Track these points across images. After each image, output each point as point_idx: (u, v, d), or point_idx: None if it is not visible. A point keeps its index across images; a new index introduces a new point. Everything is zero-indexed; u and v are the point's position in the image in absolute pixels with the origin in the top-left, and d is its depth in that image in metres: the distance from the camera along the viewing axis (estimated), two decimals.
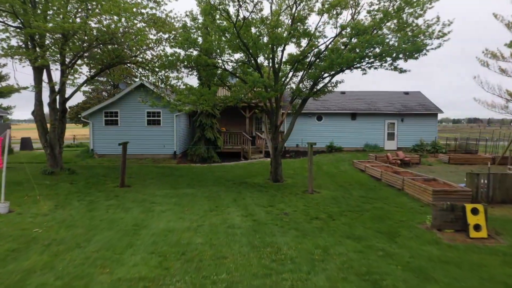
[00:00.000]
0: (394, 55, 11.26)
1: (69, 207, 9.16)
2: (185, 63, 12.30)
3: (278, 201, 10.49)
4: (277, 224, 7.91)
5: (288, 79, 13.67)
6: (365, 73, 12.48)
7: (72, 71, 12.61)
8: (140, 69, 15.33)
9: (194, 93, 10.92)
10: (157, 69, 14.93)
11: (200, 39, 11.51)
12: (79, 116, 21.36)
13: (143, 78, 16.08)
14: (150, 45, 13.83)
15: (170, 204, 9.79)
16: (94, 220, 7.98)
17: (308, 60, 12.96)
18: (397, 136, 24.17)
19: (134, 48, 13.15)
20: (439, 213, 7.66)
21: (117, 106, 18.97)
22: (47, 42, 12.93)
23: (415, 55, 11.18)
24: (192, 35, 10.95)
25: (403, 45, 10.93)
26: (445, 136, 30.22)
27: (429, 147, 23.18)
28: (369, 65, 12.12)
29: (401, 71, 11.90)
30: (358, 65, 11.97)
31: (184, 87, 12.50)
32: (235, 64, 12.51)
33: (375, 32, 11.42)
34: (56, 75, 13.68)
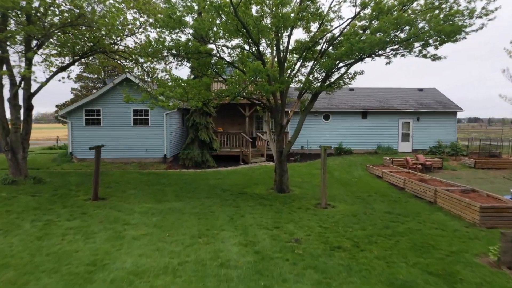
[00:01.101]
0: (427, 38, 9.25)
1: (15, 232, 7.15)
2: (173, 51, 10.30)
3: (286, 219, 8.49)
4: (287, 259, 5.91)
5: (295, 71, 11.68)
6: (388, 62, 10.49)
7: (38, 58, 10.59)
8: (123, 60, 13.30)
9: (180, 85, 8.90)
10: (141, 60, 12.93)
11: (189, 19, 9.50)
12: (56, 115, 19.31)
13: (126, 70, 14.06)
14: (132, 30, 11.81)
15: (148, 226, 7.78)
16: (40, 253, 5.97)
17: (319, 47, 10.98)
18: (413, 137, 22.17)
19: (111, 33, 11.11)
20: (511, 246, 5.66)
21: (99, 103, 16.95)
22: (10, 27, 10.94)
23: (453, 38, 9.18)
24: (177, 11, 8.92)
25: (439, 26, 8.92)
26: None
27: (448, 149, 21.19)
28: (394, 52, 10.13)
29: (435, 58, 9.89)
30: (380, 52, 9.99)
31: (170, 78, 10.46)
32: (232, 51, 10.50)
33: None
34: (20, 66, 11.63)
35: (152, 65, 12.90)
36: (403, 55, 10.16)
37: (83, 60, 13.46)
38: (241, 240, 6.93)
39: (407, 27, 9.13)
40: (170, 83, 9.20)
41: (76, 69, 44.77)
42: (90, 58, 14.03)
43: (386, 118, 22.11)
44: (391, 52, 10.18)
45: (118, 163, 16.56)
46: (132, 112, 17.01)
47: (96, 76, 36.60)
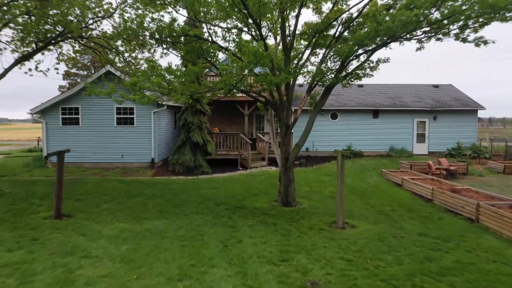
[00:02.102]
0: (472, 17, 7.40)
1: None
2: (156, 35, 8.43)
3: (295, 247, 6.66)
4: None
5: (303, 61, 9.84)
6: (420, 48, 8.63)
7: None
8: (102, 50, 11.44)
9: (160, 73, 7.02)
10: (121, 49, 11.08)
11: None
12: (30, 113, 17.42)
13: (104, 62, 12.20)
14: (108, 11, 9.94)
15: (114, 260, 5.92)
16: None
17: (332, 31, 9.15)
18: (429, 137, 20.33)
19: (83, 12, 9.24)
20: None
21: (78, 100, 15.08)
22: None
23: (508, 14, 7.32)
24: None
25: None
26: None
27: (468, 151, 19.35)
28: (427, 35, 8.28)
29: (479, 43, 8.02)
30: (412, 33, 8.13)
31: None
32: (227, 34, 8.63)
33: None
34: None
35: (134, 54, 11.05)
36: (439, 39, 8.30)
37: (64, 52, 11.62)
38: (237, 283, 5.08)
39: (449, 3, 7.27)
40: (149, 73, 7.30)
41: (63, 65, 42.85)
42: (67, 49, 12.10)
43: (399, 117, 20.26)
44: (422, 36, 8.33)
45: (99, 169, 14.69)
46: (116, 110, 15.13)
47: (86, 73, 34.81)
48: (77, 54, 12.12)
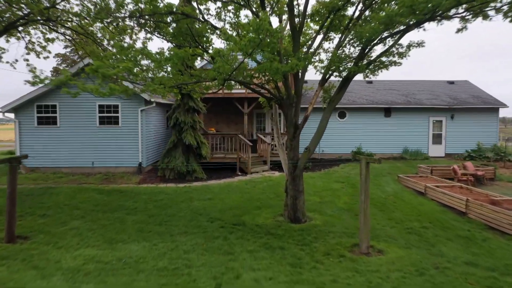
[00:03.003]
0: None
1: None
2: (135, 14, 6.82)
3: (311, 284, 5.04)
4: None
5: (314, 48, 8.23)
6: (461, 29, 7.01)
7: None
8: (71, 33, 9.81)
9: (130, 56, 5.35)
10: (99, 34, 9.46)
11: None
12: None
13: (81, 52, 10.57)
14: None
15: None
16: None
17: (351, 10, 7.55)
18: (445, 138, 18.73)
19: None
20: None
21: (56, 97, 13.44)
22: None
23: None
24: None
25: None
26: None
27: (490, 153, 17.76)
28: (472, 13, 6.66)
29: None
30: (449, 12, 6.52)
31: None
32: (222, 11, 6.99)
33: None
34: None
35: (115, 40, 9.41)
36: (487, 17, 6.67)
37: (34, 40, 9.98)
38: None
39: None
40: (116, 57, 5.63)
41: (52, 62, 41.11)
42: (38, 37, 10.48)
43: (413, 116, 18.65)
44: (466, 13, 6.71)
45: (79, 175, 13.06)
46: (98, 108, 13.50)
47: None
48: (49, 43, 10.45)
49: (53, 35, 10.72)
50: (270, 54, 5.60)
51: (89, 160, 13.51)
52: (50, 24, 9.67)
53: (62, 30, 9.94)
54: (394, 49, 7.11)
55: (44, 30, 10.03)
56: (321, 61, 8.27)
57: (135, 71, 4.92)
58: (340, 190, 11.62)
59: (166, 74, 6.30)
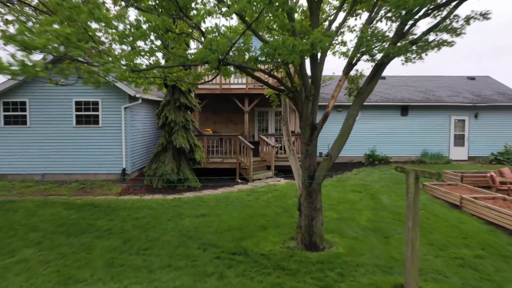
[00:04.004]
0: None
1: None
2: None
3: None
4: None
5: (336, 27, 6.48)
6: None
7: None
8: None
9: (69, 15, 3.55)
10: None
11: None
12: None
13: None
14: None
15: None
16: None
17: None
18: (469, 139, 17.02)
19: None
20: None
21: (26, 92, 11.69)
22: None
23: None
24: None
25: None
26: None
27: None
28: None
29: None
30: None
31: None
32: None
33: None
34: None
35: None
36: None
37: None
38: None
39: None
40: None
41: None
42: None
43: (433, 115, 16.94)
44: None
45: (52, 183, 11.30)
46: (75, 105, 11.74)
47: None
48: (9, 25, 8.68)
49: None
50: (284, 19, 3.85)
51: (65, 165, 11.76)
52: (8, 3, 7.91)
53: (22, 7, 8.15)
54: (448, 20, 5.36)
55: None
56: (343, 43, 6.52)
57: (78, 41, 3.20)
58: (359, 203, 9.89)
59: (132, 50, 4.57)
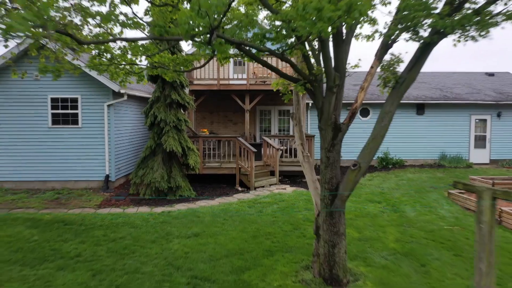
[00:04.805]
0: None
1: None
2: None
3: None
4: None
5: None
6: None
7: None
8: None
9: None
10: None
11: None
12: None
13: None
14: None
15: None
16: None
17: None
18: (491, 141, 15.64)
19: None
20: None
21: None
22: None
23: None
24: None
25: None
26: None
27: None
28: None
29: None
30: None
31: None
32: None
33: None
34: None
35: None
36: None
37: None
38: None
39: None
40: None
41: None
42: None
43: (452, 114, 15.56)
44: None
45: (24, 191, 9.87)
46: (50, 102, 10.31)
47: None
48: None
49: None
50: None
51: (39, 172, 10.33)
52: None
53: None
54: None
55: None
56: (372, 20, 5.12)
57: None
58: (381, 216, 8.48)
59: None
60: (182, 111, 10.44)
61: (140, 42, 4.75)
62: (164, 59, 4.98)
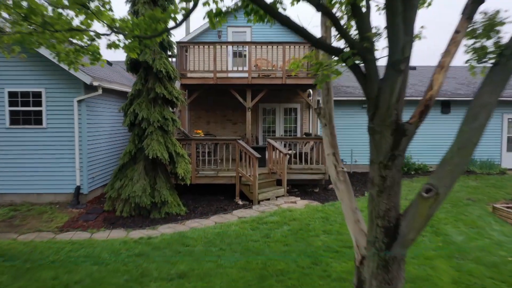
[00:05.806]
0: None
1: None
2: None
3: None
4: None
5: None
6: None
7: None
8: None
9: None
10: None
11: None
12: None
13: None
14: None
15: None
16: None
17: None
18: None
19: None
20: None
21: None
22: None
23: None
24: None
25: None
26: None
27: None
28: None
29: None
30: None
31: None
32: None
33: None
34: None
35: None
36: None
37: None
38: None
39: None
40: None
41: None
42: None
43: None
44: None
45: None
46: (8, 97, 8.48)
47: None
48: None
49: None
50: None
51: None
52: None
53: None
54: None
55: None
56: None
57: None
58: (422, 243, 6.69)
59: None
60: (170, 108, 8.64)
61: None
62: (126, 23, 3.19)
